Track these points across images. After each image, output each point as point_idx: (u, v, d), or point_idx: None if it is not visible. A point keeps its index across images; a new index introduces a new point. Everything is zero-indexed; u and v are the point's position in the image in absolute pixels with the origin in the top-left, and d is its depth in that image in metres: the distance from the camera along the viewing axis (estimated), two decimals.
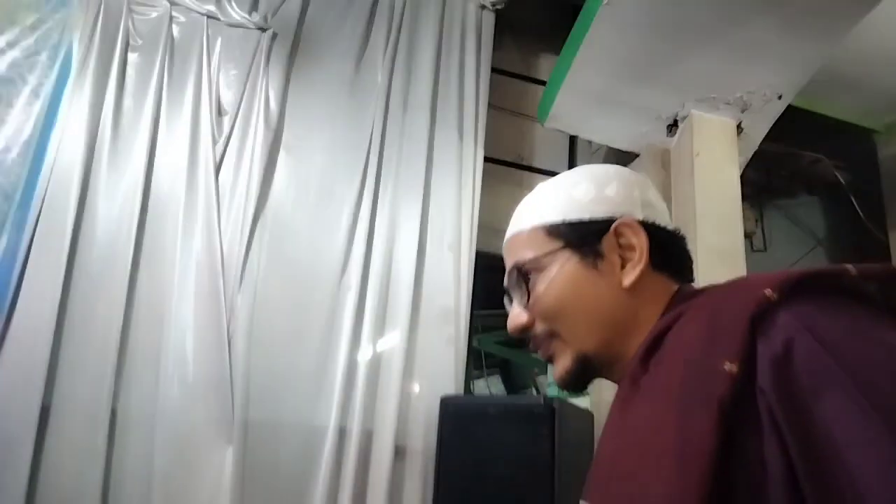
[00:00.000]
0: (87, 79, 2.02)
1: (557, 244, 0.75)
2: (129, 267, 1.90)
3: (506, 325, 0.79)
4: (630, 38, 2.10)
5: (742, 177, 2.37)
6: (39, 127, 1.93)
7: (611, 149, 2.60)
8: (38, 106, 1.95)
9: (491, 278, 2.64)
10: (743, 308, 0.56)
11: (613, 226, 0.73)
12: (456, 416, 1.85)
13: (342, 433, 1.92)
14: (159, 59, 2.13)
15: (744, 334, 0.55)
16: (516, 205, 0.83)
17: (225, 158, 2.13)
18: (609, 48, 2.14)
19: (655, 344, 0.65)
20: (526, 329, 0.78)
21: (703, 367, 0.56)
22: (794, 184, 3.36)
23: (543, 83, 2.76)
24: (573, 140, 2.81)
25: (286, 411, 1.93)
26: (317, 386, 1.97)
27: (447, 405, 1.87)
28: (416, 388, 2.09)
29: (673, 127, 2.40)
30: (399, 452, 1.97)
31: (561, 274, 0.74)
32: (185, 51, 2.19)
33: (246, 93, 2.21)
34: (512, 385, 5.72)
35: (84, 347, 1.80)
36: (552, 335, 0.76)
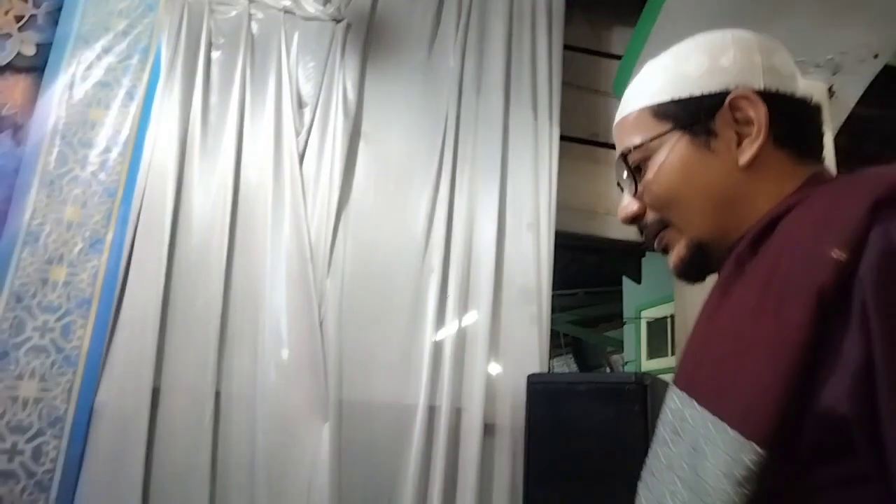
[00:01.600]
0: (175, 79, 2.11)
1: (666, 126, 0.69)
2: (224, 256, 1.98)
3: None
4: (710, 2, 2.03)
5: None
6: (135, 127, 2.04)
7: None
8: (133, 107, 2.05)
9: (564, 258, 2.63)
10: (869, 192, 0.50)
11: (728, 99, 0.65)
12: (544, 394, 1.86)
13: (432, 411, 1.96)
14: (241, 55, 2.21)
15: (860, 220, 0.49)
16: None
17: (307, 149, 2.19)
18: (689, 15, 2.07)
19: (769, 227, 0.59)
20: (637, 219, 0.73)
21: (810, 252, 0.51)
22: (886, 149, 3.17)
23: (616, 57, 2.70)
24: None
25: (377, 391, 1.99)
26: (405, 366, 2.01)
27: (534, 383, 1.88)
28: (501, 366, 2.11)
29: None
30: (488, 430, 2.00)
31: (671, 158, 0.68)
32: (264, 46, 2.26)
33: (324, 84, 2.26)
34: (584, 364, 5.69)
35: (187, 333, 1.90)
36: (665, 224, 0.71)
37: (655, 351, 3.26)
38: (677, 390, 0.60)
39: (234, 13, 2.28)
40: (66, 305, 1.81)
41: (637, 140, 0.71)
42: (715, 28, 0.73)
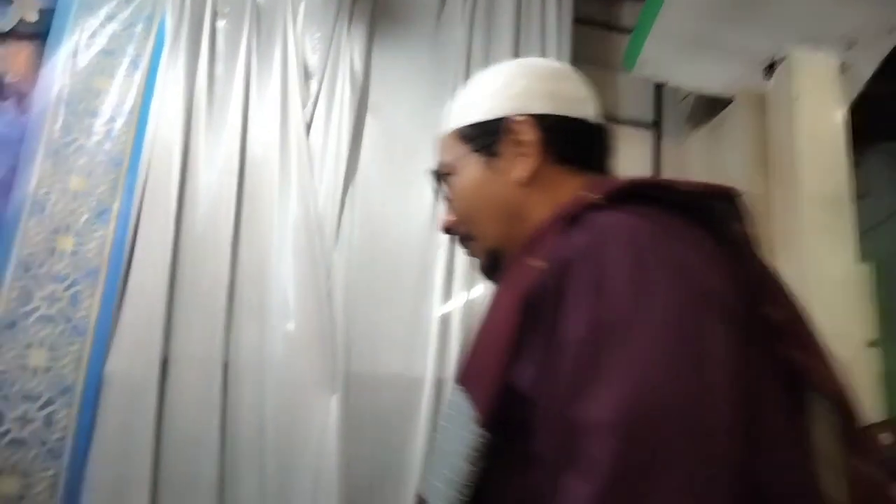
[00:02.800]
0: (180, 48, 2.08)
1: (465, 148, 0.78)
2: (231, 227, 1.97)
3: None
4: None
5: None
6: (140, 97, 2.01)
7: (701, 95, 2.50)
8: (138, 76, 2.03)
9: None
10: (559, 210, 0.64)
11: (505, 123, 0.74)
12: None
13: (440, 384, 1.96)
14: (246, 25, 2.17)
15: (554, 234, 0.61)
16: None
17: (314, 120, 2.17)
18: None
19: (535, 238, 0.67)
20: (451, 229, 0.83)
21: (521, 262, 0.63)
22: None
23: (627, 31, 2.66)
24: (659, 89, 2.72)
25: (385, 363, 1.99)
26: (413, 339, 2.02)
27: None
28: None
29: (770, 69, 2.28)
30: None
31: (466, 177, 0.78)
32: (270, 16, 2.23)
33: (331, 55, 2.23)
34: None
35: (195, 304, 1.89)
36: (469, 235, 0.80)
37: None
38: (455, 382, 0.67)
39: None
40: (73, 275, 1.81)
41: (447, 159, 0.81)
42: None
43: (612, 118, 2.67)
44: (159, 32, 2.09)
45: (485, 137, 0.76)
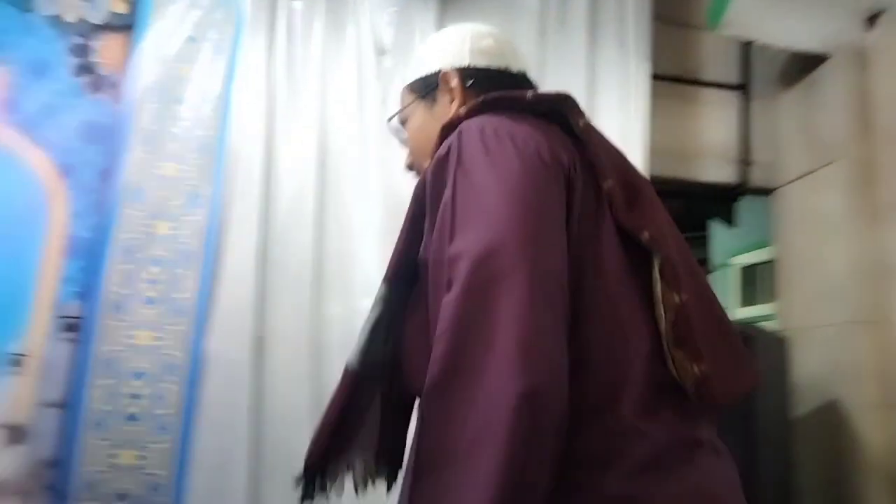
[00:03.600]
0: (258, 32, 2.11)
1: (411, 98, 0.98)
2: (314, 206, 2.01)
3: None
4: None
5: None
6: (223, 82, 2.06)
7: (793, 53, 2.36)
8: (221, 62, 2.07)
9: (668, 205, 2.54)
10: (444, 124, 0.83)
11: (439, 77, 0.93)
12: None
13: None
14: (321, 5, 2.18)
15: (438, 142, 0.80)
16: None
17: (390, 96, 2.17)
18: None
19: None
20: (410, 167, 1.04)
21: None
22: None
23: None
24: (746, 47, 2.57)
25: None
26: None
27: None
28: None
29: (872, 21, 2.11)
30: None
31: (413, 121, 0.98)
32: None
33: (404, 29, 2.22)
34: None
35: (283, 284, 1.95)
36: (422, 169, 0.93)
37: (749, 298, 3.15)
38: None
39: None
40: (172, 258, 1.89)
41: (400, 107, 1.00)
42: None
43: (694, 80, 2.55)
44: (239, 16, 2.12)
45: (426, 88, 0.96)
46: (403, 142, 1.02)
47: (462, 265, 0.64)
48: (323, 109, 2.11)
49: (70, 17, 2.00)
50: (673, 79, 2.50)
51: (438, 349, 0.62)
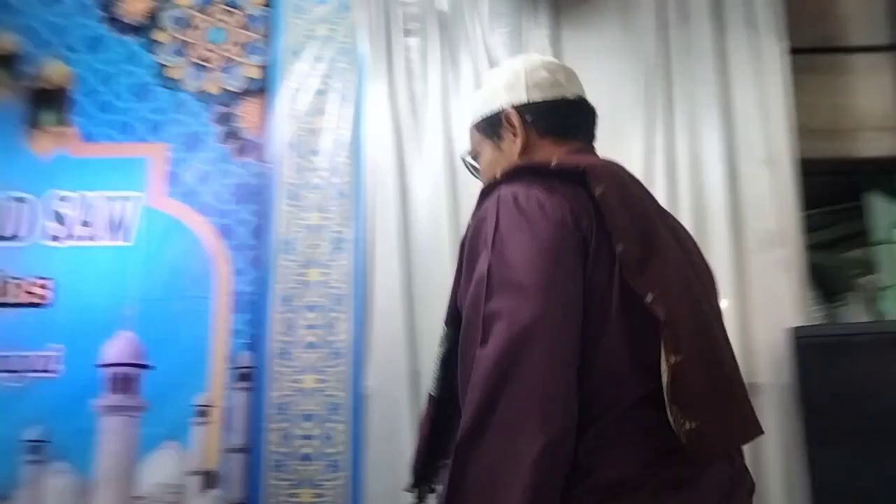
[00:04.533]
0: (379, 73, 2.18)
1: (480, 136, 1.04)
2: (449, 237, 2.04)
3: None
4: None
5: None
6: (354, 127, 2.15)
7: None
8: (349, 108, 2.16)
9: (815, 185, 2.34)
10: (484, 186, 0.91)
11: (502, 116, 1.00)
12: (814, 349, 1.69)
13: None
14: (435, 38, 2.22)
15: (479, 202, 0.89)
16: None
17: None
18: None
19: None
20: None
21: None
22: None
23: None
24: (894, 4, 2.31)
25: None
26: None
27: (802, 337, 1.72)
28: (750, 320, 1.96)
29: None
30: (750, 389, 1.87)
31: (484, 157, 1.05)
32: (455, 23, 2.24)
33: (518, 48, 2.20)
34: (825, 291, 5.14)
35: (429, 317, 2.00)
36: None
37: None
38: None
39: None
40: (325, 303, 2.00)
41: (470, 146, 1.08)
42: None
43: (839, 48, 2.33)
44: (359, 62, 2.20)
45: (490, 128, 1.02)
46: (477, 176, 1.09)
47: (498, 327, 0.76)
48: (448, 140, 2.14)
49: (213, 90, 2.18)
50: (814, 50, 2.29)
51: (473, 398, 0.75)
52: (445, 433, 0.94)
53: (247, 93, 2.17)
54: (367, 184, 2.08)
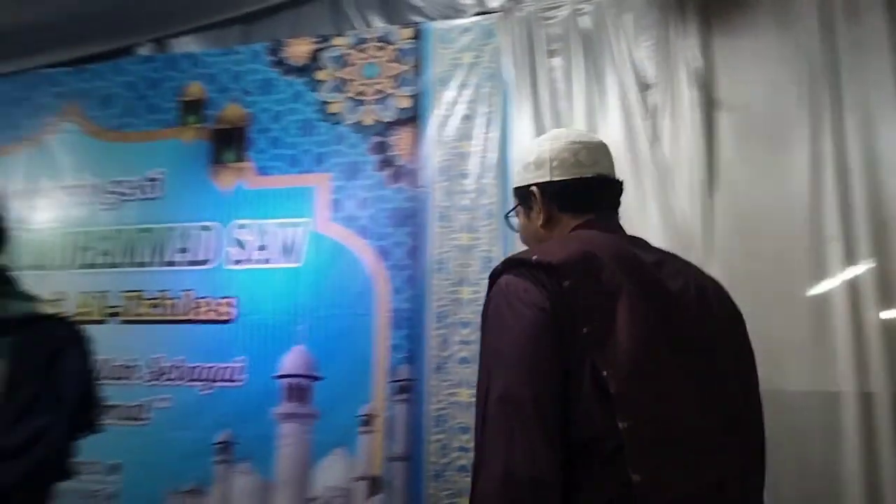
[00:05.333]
0: (524, 96, 2.23)
1: (517, 201, 1.23)
2: None
3: None
4: None
5: None
6: (500, 149, 2.22)
7: None
8: (494, 132, 2.24)
9: None
10: (493, 272, 1.05)
11: (528, 190, 1.17)
12: None
13: (866, 398, 1.74)
14: (578, 56, 2.23)
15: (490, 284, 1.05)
16: None
17: (661, 131, 2.12)
18: None
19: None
20: None
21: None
22: None
23: None
24: None
25: (787, 378, 1.84)
26: (818, 349, 1.83)
27: None
28: None
29: None
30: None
31: (520, 220, 1.23)
32: (597, 38, 2.25)
33: (665, 59, 2.16)
34: None
35: None
36: None
37: None
38: None
39: (561, 15, 2.31)
40: (477, 320, 2.07)
41: (511, 207, 1.26)
42: None
43: None
44: (504, 86, 2.27)
45: (522, 198, 1.20)
46: (516, 232, 1.28)
47: (492, 406, 0.93)
48: None
49: (368, 121, 2.35)
50: None
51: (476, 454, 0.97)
52: None
53: (399, 122, 2.32)
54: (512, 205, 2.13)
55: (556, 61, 2.27)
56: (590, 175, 1.14)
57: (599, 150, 1.17)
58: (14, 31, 2.66)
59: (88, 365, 1.11)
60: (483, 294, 2.06)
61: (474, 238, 2.15)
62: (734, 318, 1.10)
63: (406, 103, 2.33)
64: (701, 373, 0.98)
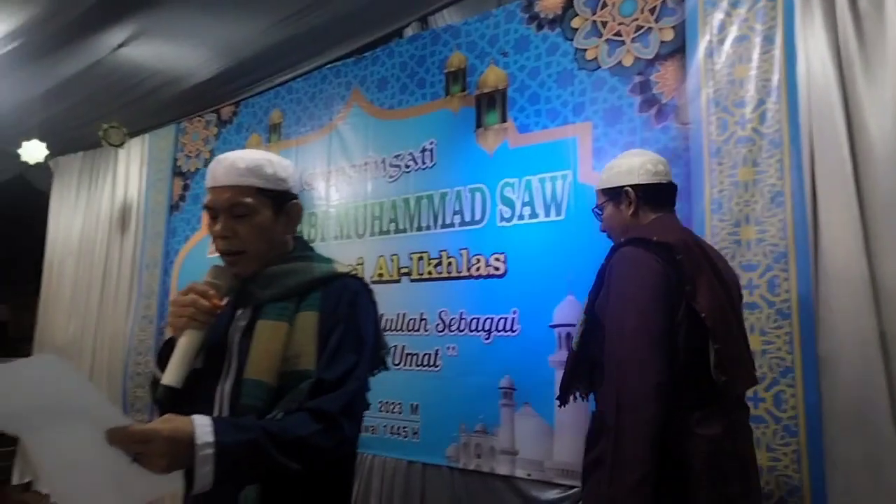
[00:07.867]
0: (812, 1, 1.93)
1: (605, 198, 1.69)
2: None
3: None
4: None
5: None
6: (783, 69, 1.96)
7: None
8: (775, 49, 1.98)
9: None
10: (614, 244, 1.60)
11: (623, 190, 1.62)
12: None
13: None
14: None
15: (612, 252, 1.55)
16: None
17: None
18: None
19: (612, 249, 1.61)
20: (604, 231, 1.76)
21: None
22: None
23: None
24: None
25: None
26: None
27: None
28: None
29: None
30: None
31: (607, 212, 1.69)
32: None
33: None
34: None
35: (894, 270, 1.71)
36: (613, 238, 1.75)
37: None
38: None
39: None
40: (763, 262, 1.88)
41: (598, 201, 1.75)
42: None
43: None
44: None
45: (614, 195, 1.65)
46: (601, 221, 1.73)
47: (620, 345, 1.42)
48: None
49: (627, 62, 2.25)
50: None
51: (610, 387, 1.44)
52: (583, 372, 1.63)
53: (661, 57, 2.18)
54: (804, 128, 1.88)
55: None
56: (665, 181, 1.63)
57: (668, 164, 1.67)
58: (306, 38, 3.09)
59: (376, 312, 1.26)
60: (771, 233, 1.89)
61: (757, 172, 1.94)
62: (738, 284, 1.68)
63: (668, 35, 2.18)
64: (738, 316, 1.57)
